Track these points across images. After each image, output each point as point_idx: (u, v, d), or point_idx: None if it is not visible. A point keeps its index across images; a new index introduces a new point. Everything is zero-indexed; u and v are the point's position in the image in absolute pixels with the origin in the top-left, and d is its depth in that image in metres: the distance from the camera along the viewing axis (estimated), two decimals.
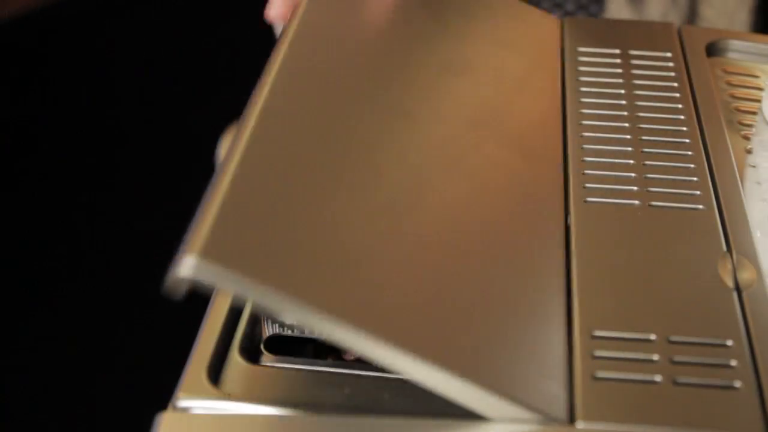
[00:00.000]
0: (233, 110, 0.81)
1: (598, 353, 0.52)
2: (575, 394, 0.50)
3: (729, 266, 0.57)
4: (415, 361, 0.48)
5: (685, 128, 0.69)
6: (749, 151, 0.70)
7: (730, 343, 0.52)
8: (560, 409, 0.49)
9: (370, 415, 0.51)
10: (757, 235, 0.61)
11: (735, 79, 0.78)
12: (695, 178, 0.64)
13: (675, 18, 1.01)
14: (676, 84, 0.74)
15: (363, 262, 0.52)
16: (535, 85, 0.73)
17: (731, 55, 0.81)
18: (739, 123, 0.73)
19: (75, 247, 1.71)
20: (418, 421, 0.50)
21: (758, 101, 0.75)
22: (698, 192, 0.63)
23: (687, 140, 0.68)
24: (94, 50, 1.82)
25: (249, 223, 0.50)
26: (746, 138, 0.71)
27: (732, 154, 0.67)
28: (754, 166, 0.69)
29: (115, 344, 1.57)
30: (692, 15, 1.00)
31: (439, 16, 0.76)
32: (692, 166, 0.66)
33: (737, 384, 0.50)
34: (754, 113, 0.74)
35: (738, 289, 0.56)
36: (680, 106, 0.72)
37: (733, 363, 0.51)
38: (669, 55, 0.78)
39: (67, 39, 1.91)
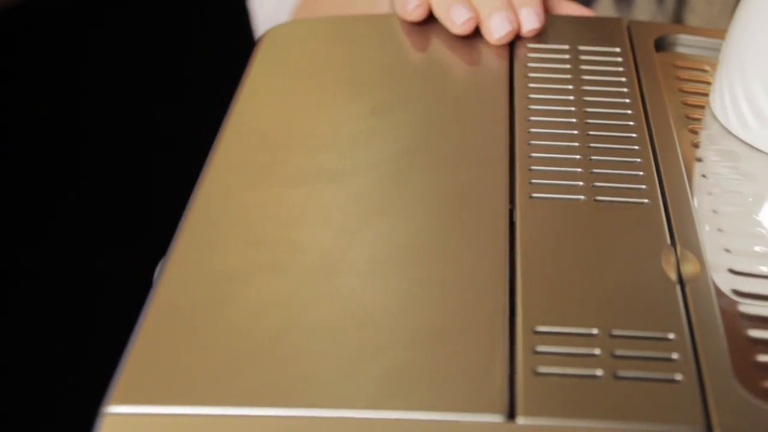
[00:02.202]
0: (205, 111, 0.81)
1: (540, 348, 0.51)
2: (516, 390, 0.49)
3: (673, 260, 0.57)
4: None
5: (632, 123, 0.69)
6: (697, 145, 0.70)
7: (672, 336, 0.52)
8: (500, 406, 0.48)
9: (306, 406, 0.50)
10: (706, 229, 0.61)
11: (684, 74, 0.78)
12: (641, 173, 0.64)
13: None
14: (624, 79, 0.74)
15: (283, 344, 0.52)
16: (481, 84, 0.73)
17: (680, 49, 0.81)
18: (687, 117, 0.72)
19: (35, 246, 1.69)
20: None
21: (706, 95, 0.75)
22: (644, 186, 0.63)
23: (634, 135, 0.68)
24: (66, 49, 1.81)
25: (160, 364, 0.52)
26: (694, 132, 0.71)
27: (679, 149, 0.67)
28: (701, 160, 0.69)
29: (63, 353, 1.56)
30: (677, 21, 1.00)
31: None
32: (639, 160, 0.66)
33: (678, 377, 0.50)
34: (702, 107, 0.74)
35: (681, 282, 0.56)
36: (628, 101, 0.72)
37: (675, 356, 0.51)
38: (618, 50, 0.78)
39: (39, 37, 1.89)
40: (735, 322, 0.55)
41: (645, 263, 0.57)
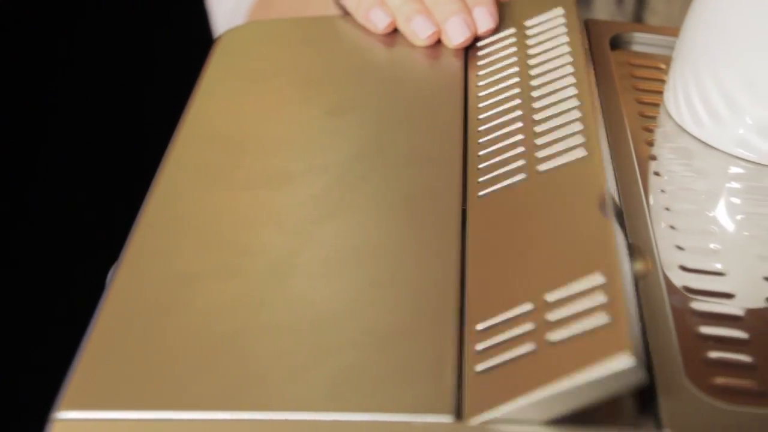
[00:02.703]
0: (163, 113, 0.81)
1: (481, 346, 0.51)
2: (464, 390, 0.49)
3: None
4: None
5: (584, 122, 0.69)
6: (651, 143, 0.70)
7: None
8: (449, 407, 0.48)
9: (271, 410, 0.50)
10: (659, 227, 0.62)
11: (639, 72, 0.78)
12: None
13: None
14: (573, 69, 0.74)
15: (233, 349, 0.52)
16: (436, 85, 0.73)
17: (635, 47, 0.81)
18: (642, 115, 0.73)
19: None
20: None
21: (661, 93, 0.75)
22: None
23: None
24: (22, 50, 1.79)
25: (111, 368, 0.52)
26: (649, 130, 0.71)
27: (632, 147, 0.67)
28: (655, 158, 0.69)
29: (13, 358, 1.55)
30: (637, 21, 1.00)
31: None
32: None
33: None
34: (657, 105, 0.74)
35: (633, 279, 0.56)
36: (581, 102, 0.71)
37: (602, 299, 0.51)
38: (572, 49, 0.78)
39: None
40: (686, 319, 0.55)
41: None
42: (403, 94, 0.72)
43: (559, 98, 0.67)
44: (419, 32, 0.76)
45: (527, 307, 0.52)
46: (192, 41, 1.12)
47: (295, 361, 0.51)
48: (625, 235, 0.59)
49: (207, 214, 0.61)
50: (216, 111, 0.71)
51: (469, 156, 0.65)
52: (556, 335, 0.49)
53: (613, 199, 0.57)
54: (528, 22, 0.77)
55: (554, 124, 0.65)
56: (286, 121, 0.70)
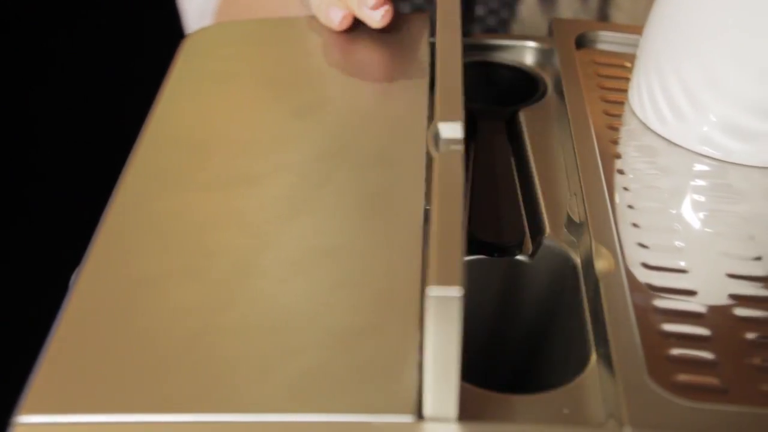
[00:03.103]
0: (132, 114, 0.80)
1: None
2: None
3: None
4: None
5: None
6: (616, 141, 0.70)
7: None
8: (410, 406, 0.48)
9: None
10: (622, 225, 0.62)
11: (604, 70, 0.78)
12: None
13: None
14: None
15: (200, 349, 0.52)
16: (401, 84, 0.73)
17: (601, 46, 0.81)
18: (607, 113, 0.73)
19: None
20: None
21: (626, 91, 0.75)
22: None
23: None
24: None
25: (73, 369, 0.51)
26: (613, 128, 0.72)
27: (596, 145, 0.67)
28: (619, 156, 0.69)
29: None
30: (602, 18, 1.00)
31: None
32: None
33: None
34: (622, 103, 0.74)
35: (595, 278, 0.56)
36: None
37: None
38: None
39: None
40: (648, 316, 0.55)
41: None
42: (368, 94, 0.72)
43: None
44: (374, 15, 0.77)
45: None
46: (166, 40, 1.11)
47: (257, 363, 0.51)
48: (589, 235, 0.59)
49: (170, 216, 0.61)
50: (181, 112, 0.71)
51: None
52: None
53: None
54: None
55: None
56: (251, 122, 0.70)
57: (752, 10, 0.65)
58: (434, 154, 0.53)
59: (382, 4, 0.76)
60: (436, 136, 0.54)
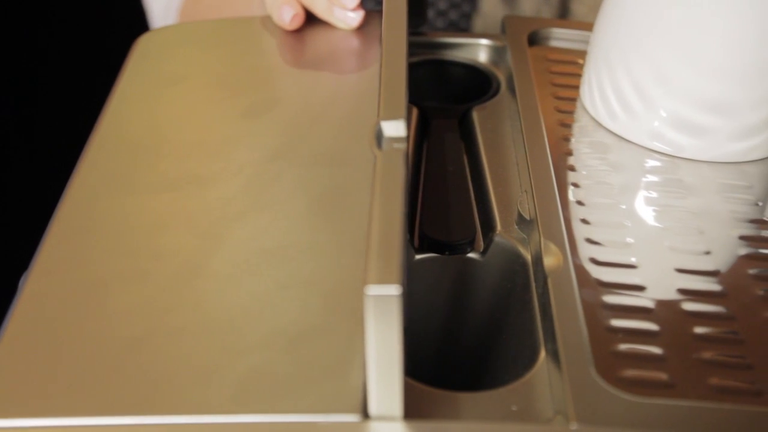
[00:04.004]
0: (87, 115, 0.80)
1: None
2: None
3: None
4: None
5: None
6: (567, 138, 0.70)
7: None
8: (356, 406, 0.48)
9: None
10: (575, 220, 0.62)
11: (557, 67, 0.78)
12: None
13: (547, 14, 1.01)
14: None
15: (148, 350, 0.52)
16: (353, 84, 0.73)
17: (554, 43, 0.81)
18: (559, 110, 0.73)
19: None
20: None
21: (578, 87, 0.75)
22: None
23: None
24: None
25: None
26: (565, 125, 0.72)
27: (547, 142, 0.67)
28: (571, 153, 0.69)
29: None
30: (564, 11, 1.00)
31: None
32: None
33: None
34: (574, 100, 0.74)
35: (544, 274, 0.56)
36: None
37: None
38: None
39: None
40: (597, 312, 0.55)
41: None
42: (320, 93, 0.72)
43: None
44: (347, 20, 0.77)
45: None
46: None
47: (202, 364, 0.51)
48: (538, 232, 0.59)
49: (119, 219, 0.60)
50: (131, 114, 0.70)
51: None
52: None
53: None
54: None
55: None
56: (202, 123, 0.70)
57: (698, 6, 0.65)
58: (376, 152, 0.53)
59: (356, 6, 0.76)
60: (379, 134, 0.54)
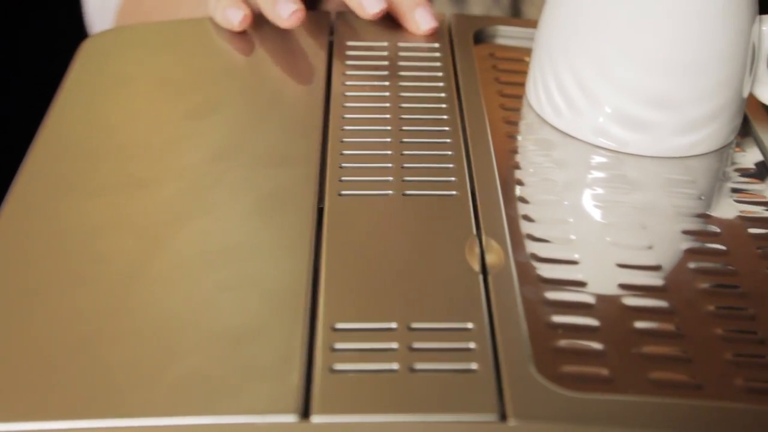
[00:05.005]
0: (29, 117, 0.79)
1: (338, 346, 0.51)
2: (313, 389, 0.49)
3: (476, 250, 0.57)
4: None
5: (446, 116, 0.70)
6: (513, 136, 0.71)
7: (470, 326, 0.52)
8: (294, 406, 0.48)
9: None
10: (514, 218, 0.62)
11: (503, 65, 0.78)
12: (452, 165, 0.65)
13: (498, 15, 1.01)
14: (440, 74, 0.75)
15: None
16: (298, 84, 0.73)
17: (499, 41, 0.81)
18: (504, 108, 0.73)
19: None
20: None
21: (524, 85, 0.75)
22: (454, 178, 0.63)
23: (447, 128, 0.68)
24: None
25: None
26: (511, 122, 0.72)
27: (491, 140, 0.67)
28: (516, 150, 0.69)
29: None
30: (515, 13, 1.01)
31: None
32: (450, 153, 0.66)
33: (474, 366, 0.50)
34: (520, 97, 0.75)
35: (484, 272, 0.56)
36: (443, 95, 0.72)
37: (472, 346, 0.51)
38: (437, 45, 0.78)
39: None
40: (538, 308, 0.55)
41: (449, 255, 0.57)
42: (265, 94, 0.72)
43: (431, 128, 0.69)
44: (282, 13, 0.76)
45: (392, 324, 0.52)
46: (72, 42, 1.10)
47: (142, 367, 0.51)
48: (479, 229, 0.59)
49: (60, 223, 0.60)
50: (75, 117, 0.70)
51: (330, 155, 0.65)
52: (420, 364, 0.50)
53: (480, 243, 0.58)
54: (402, 44, 0.77)
55: (424, 153, 0.66)
56: (146, 126, 0.69)
57: (640, 2, 0.66)
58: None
59: (295, 4, 0.76)
60: None
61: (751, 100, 0.72)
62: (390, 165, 0.64)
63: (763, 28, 0.69)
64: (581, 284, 0.57)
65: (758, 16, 0.69)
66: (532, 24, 0.76)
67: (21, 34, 1.74)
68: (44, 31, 1.69)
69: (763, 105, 0.73)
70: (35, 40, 1.71)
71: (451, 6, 1.00)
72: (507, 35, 0.81)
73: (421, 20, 0.78)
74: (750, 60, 0.69)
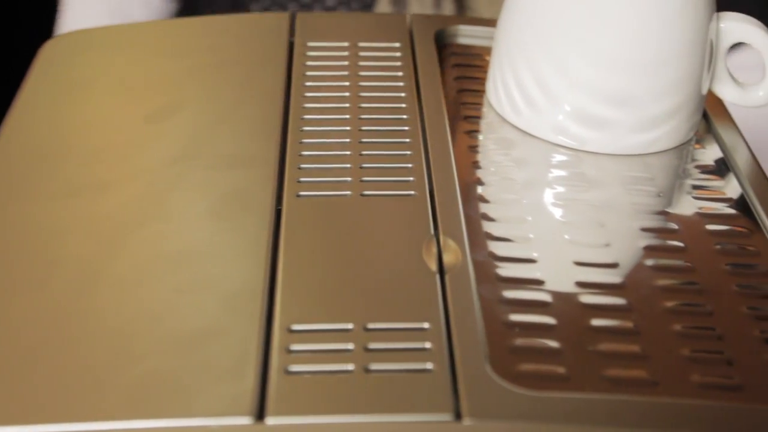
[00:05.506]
0: None
1: (294, 347, 0.51)
2: (268, 391, 0.49)
3: (434, 250, 0.57)
4: None
5: (405, 116, 0.70)
6: (473, 135, 0.71)
7: (426, 326, 0.52)
8: (248, 408, 0.48)
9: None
10: (473, 217, 0.62)
11: (463, 64, 0.78)
12: (410, 165, 0.65)
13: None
14: (401, 73, 0.75)
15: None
16: (257, 86, 0.73)
17: (461, 40, 0.81)
18: (465, 107, 0.73)
19: None
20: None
21: (484, 84, 0.75)
22: (412, 178, 0.63)
23: (406, 128, 0.68)
24: None
25: None
26: (472, 121, 0.72)
27: (450, 139, 0.67)
28: (476, 149, 0.69)
29: None
30: (461, 7, 1.01)
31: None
32: (409, 153, 0.66)
33: (429, 366, 0.50)
34: (480, 96, 0.75)
35: (442, 271, 0.56)
36: (403, 95, 0.72)
37: (428, 345, 0.51)
38: (398, 45, 0.78)
39: None
40: (495, 307, 0.55)
41: (407, 256, 0.57)
42: (225, 97, 0.72)
43: (390, 128, 0.69)
44: None
45: (348, 326, 0.52)
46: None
47: (97, 371, 0.51)
48: (437, 229, 0.59)
49: (18, 226, 0.60)
50: (35, 120, 0.70)
51: (289, 156, 0.65)
52: (376, 364, 0.50)
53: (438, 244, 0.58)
54: (362, 44, 0.77)
55: (383, 153, 0.66)
56: (104, 129, 0.69)
57: (596, 0, 0.66)
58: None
59: None
60: None
61: (711, 97, 0.73)
62: (349, 165, 0.64)
63: (721, 26, 0.70)
64: (539, 282, 0.57)
65: (716, 14, 0.69)
66: (493, 23, 0.76)
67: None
68: (4, 33, 1.68)
69: (723, 102, 0.73)
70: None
71: (390, 7, 1.00)
72: (468, 35, 0.81)
73: None
74: (708, 57, 0.69)
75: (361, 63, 0.76)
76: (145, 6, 0.99)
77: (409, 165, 0.64)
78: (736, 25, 0.70)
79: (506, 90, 0.71)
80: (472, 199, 0.63)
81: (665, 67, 0.67)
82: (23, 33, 1.53)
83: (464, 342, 0.52)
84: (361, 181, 0.63)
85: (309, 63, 0.75)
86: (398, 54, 0.77)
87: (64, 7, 1.10)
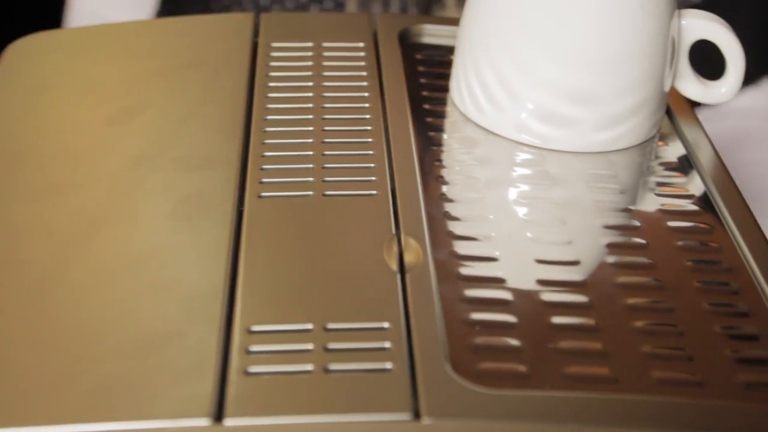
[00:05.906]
0: None
1: (253, 348, 0.51)
2: (227, 392, 0.49)
3: (395, 249, 0.57)
4: None
5: (368, 116, 0.70)
6: (437, 134, 0.71)
7: (386, 325, 0.52)
8: (206, 409, 0.48)
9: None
10: (434, 216, 0.62)
11: (427, 63, 0.78)
12: (372, 165, 0.65)
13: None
14: (365, 73, 0.75)
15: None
16: (220, 87, 0.73)
17: (425, 39, 0.81)
18: (429, 106, 0.73)
19: None
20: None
21: (448, 83, 0.75)
22: (374, 178, 0.63)
23: (369, 128, 0.68)
24: None
25: None
26: (435, 121, 0.72)
27: (413, 139, 0.67)
28: (440, 148, 0.69)
29: None
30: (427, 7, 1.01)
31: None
32: (371, 152, 0.66)
33: (389, 365, 0.50)
34: (444, 95, 0.75)
35: (402, 271, 0.56)
36: (366, 94, 0.72)
37: (387, 345, 0.51)
38: (362, 45, 0.78)
39: None
40: (455, 306, 0.55)
41: (368, 255, 0.57)
42: (187, 98, 0.72)
43: (353, 128, 0.69)
44: None
45: (307, 326, 0.52)
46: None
47: (55, 374, 0.50)
48: (398, 228, 0.59)
49: None
50: None
51: (251, 157, 0.65)
52: (335, 364, 0.50)
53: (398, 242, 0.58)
54: (326, 44, 0.77)
55: (345, 153, 0.66)
56: (66, 132, 0.69)
57: None
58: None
59: None
60: None
61: (674, 94, 0.73)
62: (311, 165, 0.64)
63: (683, 23, 0.70)
64: (500, 281, 0.57)
65: (677, 11, 0.69)
66: (457, 22, 0.77)
67: None
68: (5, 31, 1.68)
69: (686, 98, 0.73)
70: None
71: (358, 7, 1.00)
72: (432, 34, 0.81)
73: None
74: (670, 54, 0.69)
75: (325, 63, 0.76)
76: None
77: (372, 165, 0.64)
78: (698, 23, 0.70)
79: (469, 89, 0.71)
80: (434, 198, 0.63)
81: (627, 64, 0.67)
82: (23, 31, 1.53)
83: (424, 341, 0.52)
84: (323, 181, 0.63)
85: (273, 63, 0.75)
86: (362, 54, 0.77)
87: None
